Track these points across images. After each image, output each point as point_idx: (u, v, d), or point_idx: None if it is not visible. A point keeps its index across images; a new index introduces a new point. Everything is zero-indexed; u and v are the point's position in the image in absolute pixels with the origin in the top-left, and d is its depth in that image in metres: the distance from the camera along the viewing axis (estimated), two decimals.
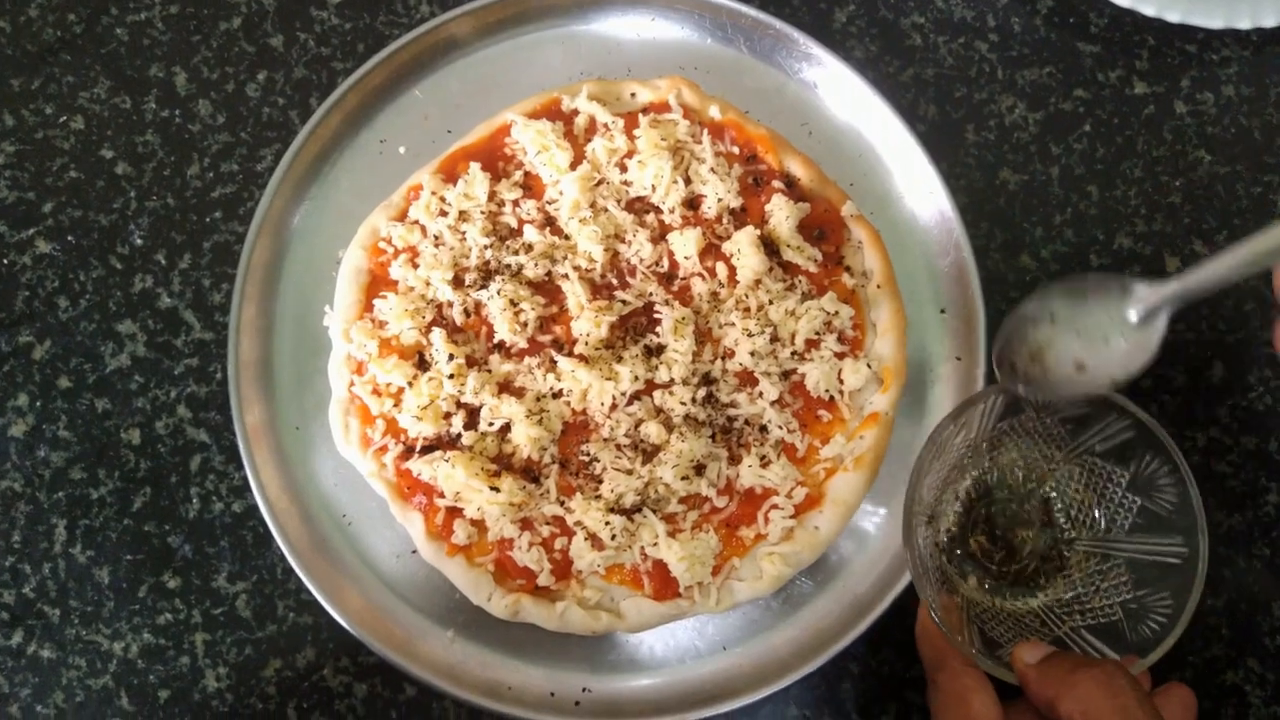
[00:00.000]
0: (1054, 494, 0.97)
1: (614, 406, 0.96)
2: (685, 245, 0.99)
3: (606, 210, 1.01)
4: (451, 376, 0.95)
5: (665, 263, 1.01)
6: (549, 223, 1.02)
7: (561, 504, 0.94)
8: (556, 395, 0.97)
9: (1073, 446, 0.95)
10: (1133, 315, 0.83)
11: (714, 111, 1.04)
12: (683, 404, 0.96)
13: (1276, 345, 0.87)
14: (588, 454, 0.96)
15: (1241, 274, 0.77)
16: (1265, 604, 1.02)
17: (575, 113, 1.04)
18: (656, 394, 0.97)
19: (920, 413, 1.03)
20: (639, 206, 1.03)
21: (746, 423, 0.97)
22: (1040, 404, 0.92)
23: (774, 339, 0.98)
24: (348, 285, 1.00)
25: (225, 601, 1.00)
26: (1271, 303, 0.80)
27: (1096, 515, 0.95)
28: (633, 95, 1.05)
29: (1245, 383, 1.07)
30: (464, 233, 1.00)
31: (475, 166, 1.01)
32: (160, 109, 1.12)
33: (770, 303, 0.98)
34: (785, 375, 0.98)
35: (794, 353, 0.98)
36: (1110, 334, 0.84)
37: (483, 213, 1.01)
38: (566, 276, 0.99)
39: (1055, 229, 1.11)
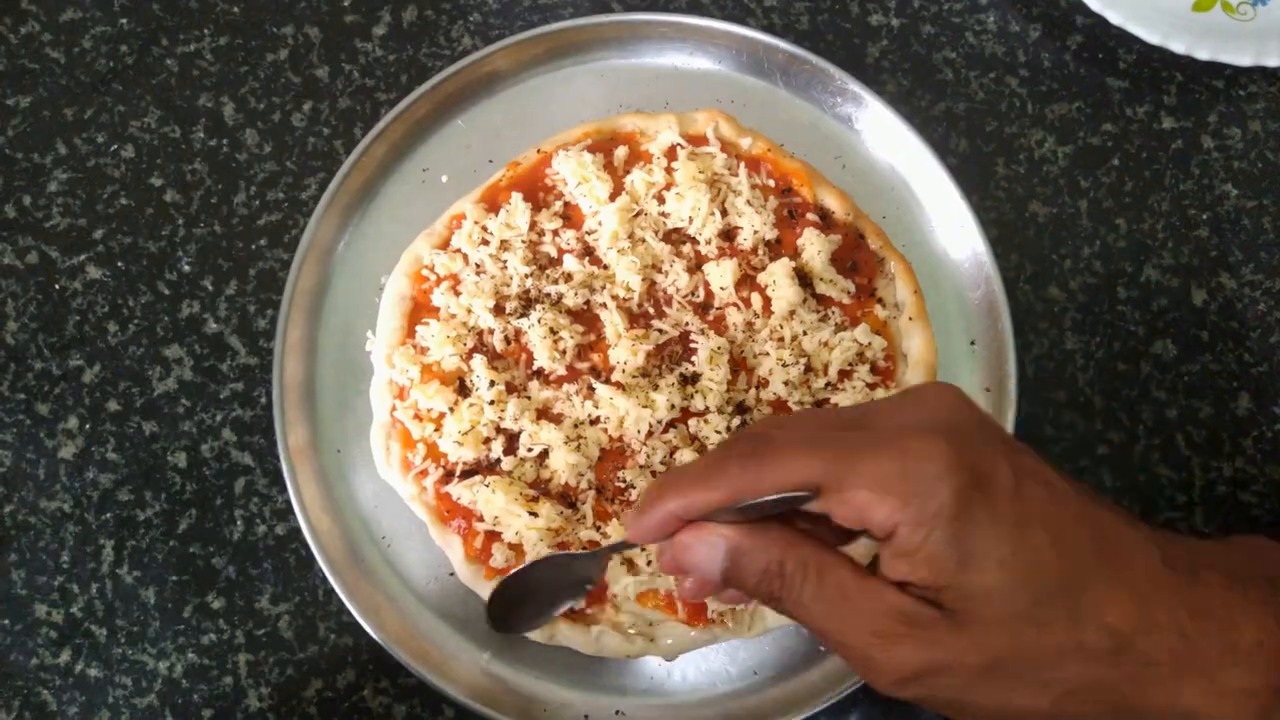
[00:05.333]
0: None
1: (650, 433, 0.98)
2: (721, 276, 1.01)
3: (644, 241, 1.03)
4: (492, 403, 0.97)
5: (701, 293, 1.03)
6: (588, 252, 1.04)
7: (598, 529, 0.96)
8: (594, 422, 0.99)
9: None
10: None
11: (749, 144, 1.06)
12: (717, 432, 0.97)
13: None
14: (624, 480, 0.97)
15: None
16: None
17: (614, 145, 1.06)
18: (691, 422, 0.98)
19: None
20: (676, 237, 1.04)
21: None
22: None
23: (808, 369, 0.99)
24: (390, 311, 1.02)
25: (268, 623, 1.02)
26: None
27: None
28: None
29: (1271, 414, 1.09)
30: (505, 261, 1.02)
31: (517, 196, 1.03)
32: (208, 138, 1.14)
33: (804, 333, 1.00)
34: (818, 405, 1.00)
35: (827, 383, 1.00)
36: None
37: (523, 242, 1.03)
38: (605, 305, 1.01)
39: (1084, 261, 1.13)
